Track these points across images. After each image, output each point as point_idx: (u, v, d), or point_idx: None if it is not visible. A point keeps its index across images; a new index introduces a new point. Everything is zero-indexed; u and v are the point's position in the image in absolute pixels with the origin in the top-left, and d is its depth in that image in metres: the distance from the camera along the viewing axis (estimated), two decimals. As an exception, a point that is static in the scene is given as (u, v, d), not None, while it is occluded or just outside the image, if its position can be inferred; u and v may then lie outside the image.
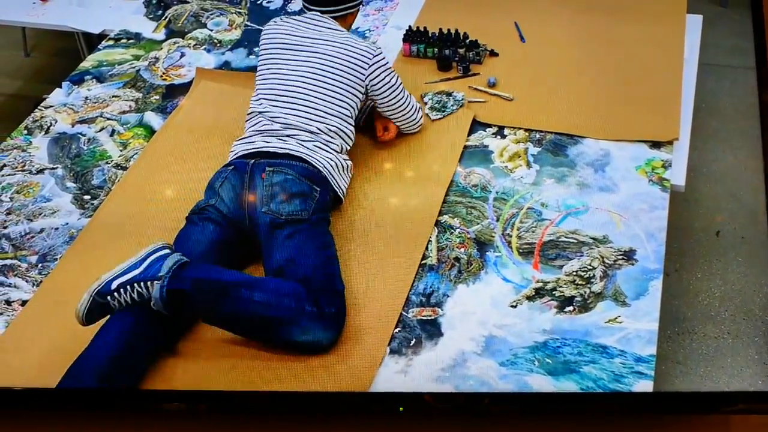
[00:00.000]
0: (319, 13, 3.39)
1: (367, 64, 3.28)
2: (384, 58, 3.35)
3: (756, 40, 3.20)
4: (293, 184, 3.00)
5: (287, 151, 3.11)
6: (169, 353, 2.75)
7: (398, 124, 3.51)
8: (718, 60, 4.52)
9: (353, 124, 3.31)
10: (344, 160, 3.23)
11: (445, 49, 3.94)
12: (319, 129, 3.19)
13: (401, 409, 2.53)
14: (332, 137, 3.20)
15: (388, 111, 3.44)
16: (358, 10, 3.51)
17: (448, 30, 3.98)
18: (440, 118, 3.63)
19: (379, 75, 3.32)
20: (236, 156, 3.17)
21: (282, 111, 3.22)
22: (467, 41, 3.95)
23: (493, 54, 4.01)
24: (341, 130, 3.24)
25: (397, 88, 3.39)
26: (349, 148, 3.31)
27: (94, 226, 3.24)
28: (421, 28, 4.02)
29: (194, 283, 2.70)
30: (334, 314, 2.75)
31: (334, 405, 2.56)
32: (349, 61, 3.27)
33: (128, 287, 2.67)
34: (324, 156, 3.15)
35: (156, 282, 2.67)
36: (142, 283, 2.68)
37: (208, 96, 3.88)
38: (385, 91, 3.35)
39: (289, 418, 2.61)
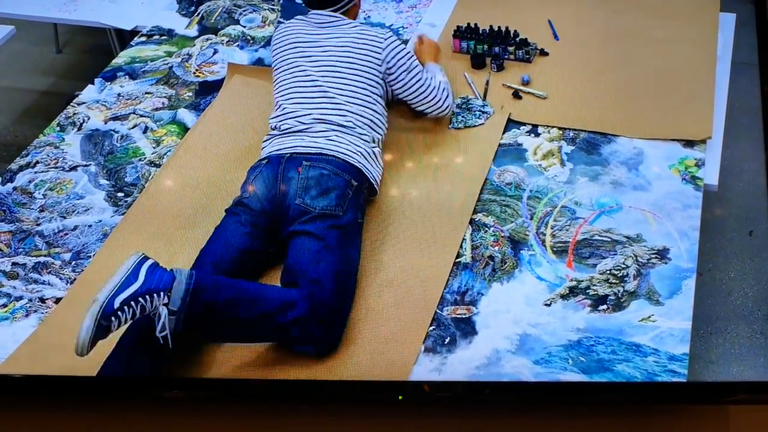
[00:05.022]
0: (324, 11, 3.43)
1: (380, 48, 3.33)
2: (396, 40, 3.39)
3: (759, 35, 3.20)
4: (329, 179, 3.00)
5: (321, 150, 3.10)
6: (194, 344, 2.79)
7: (421, 108, 3.51)
8: (751, 59, 4.48)
9: (382, 112, 3.33)
10: (373, 148, 3.22)
11: (494, 47, 3.92)
12: (348, 122, 3.20)
13: (400, 397, 2.54)
14: (363, 129, 3.22)
15: (409, 96, 3.46)
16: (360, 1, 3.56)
17: (499, 27, 3.96)
18: (460, 128, 3.61)
19: (393, 58, 3.35)
20: (269, 153, 3.17)
21: (309, 109, 3.24)
22: (517, 39, 3.93)
23: (543, 53, 3.98)
24: (370, 120, 3.26)
25: (413, 69, 3.41)
26: (381, 137, 3.32)
27: (127, 224, 3.26)
28: (472, 25, 3.99)
29: (205, 308, 2.61)
30: (320, 339, 2.72)
31: (347, 394, 2.59)
32: (363, 49, 3.33)
33: (132, 302, 2.50)
34: (355, 149, 3.14)
35: (163, 296, 2.56)
36: (147, 296, 2.53)
37: (241, 91, 3.89)
38: (402, 73, 3.39)
39: (304, 408, 2.61)
